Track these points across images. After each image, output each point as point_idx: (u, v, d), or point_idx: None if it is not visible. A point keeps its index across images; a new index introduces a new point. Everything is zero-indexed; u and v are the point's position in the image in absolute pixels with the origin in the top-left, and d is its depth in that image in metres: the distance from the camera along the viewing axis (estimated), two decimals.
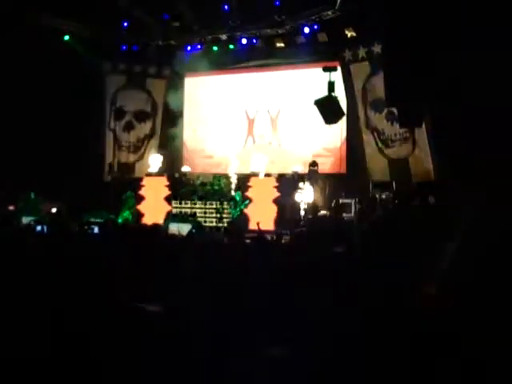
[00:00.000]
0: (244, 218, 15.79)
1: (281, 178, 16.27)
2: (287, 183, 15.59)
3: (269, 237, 9.62)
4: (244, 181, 16.71)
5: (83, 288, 2.93)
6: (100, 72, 19.55)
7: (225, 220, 15.87)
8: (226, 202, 16.14)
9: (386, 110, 15.39)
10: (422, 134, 14.66)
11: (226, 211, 16.02)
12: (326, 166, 17.23)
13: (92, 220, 13.89)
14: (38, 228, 8.69)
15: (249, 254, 6.34)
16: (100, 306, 2.81)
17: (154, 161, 18.00)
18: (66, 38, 17.99)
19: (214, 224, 15.87)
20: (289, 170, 17.09)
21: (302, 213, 14.76)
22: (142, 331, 2.75)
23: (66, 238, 5.49)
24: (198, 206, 16.31)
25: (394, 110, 13.44)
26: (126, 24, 18.40)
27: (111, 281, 3.19)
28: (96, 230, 6.72)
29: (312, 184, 15.09)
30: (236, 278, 4.22)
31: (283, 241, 9.02)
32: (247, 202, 16.02)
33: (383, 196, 14.50)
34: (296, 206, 15.05)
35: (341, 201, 15.15)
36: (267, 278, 3.94)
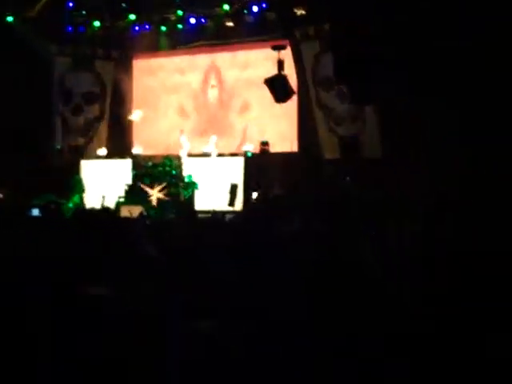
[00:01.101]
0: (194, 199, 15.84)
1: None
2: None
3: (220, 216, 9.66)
4: (196, 162, 16.70)
5: (28, 273, 2.88)
6: (46, 54, 19.13)
7: (176, 201, 15.83)
8: (177, 183, 16.10)
9: (336, 88, 15.42)
10: (371, 111, 14.76)
11: (177, 193, 15.98)
12: (277, 144, 17.21)
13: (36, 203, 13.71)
14: None
15: (201, 233, 6.32)
16: (43, 290, 2.75)
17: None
18: (10, 19, 17.56)
19: (165, 206, 15.81)
20: (240, 149, 17.13)
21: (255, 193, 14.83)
22: (89, 316, 2.70)
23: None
24: (149, 187, 16.20)
25: (345, 88, 13.50)
26: (71, 4, 18.06)
27: (56, 266, 3.13)
28: (36, 212, 6.56)
29: (264, 163, 15.13)
30: (188, 257, 4.19)
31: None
32: (199, 183, 16.02)
33: None
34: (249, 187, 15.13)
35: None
36: (219, 255, 3.93)
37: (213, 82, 19.02)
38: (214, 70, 19.02)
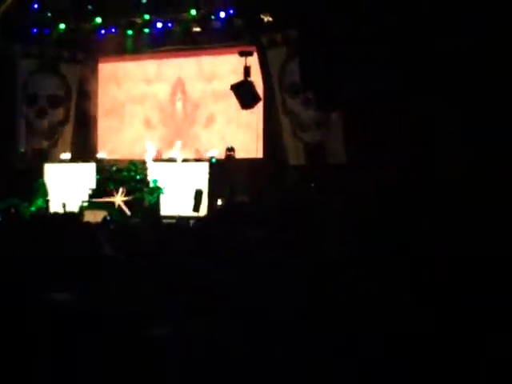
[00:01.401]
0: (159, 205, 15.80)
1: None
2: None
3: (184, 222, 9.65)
4: (161, 167, 16.66)
5: None
6: (11, 56, 18.90)
7: (141, 206, 15.76)
8: (142, 188, 16.06)
9: (302, 95, 15.48)
10: (336, 118, 14.83)
11: (142, 198, 15.91)
12: (242, 150, 17.22)
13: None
14: None
15: (166, 238, 6.31)
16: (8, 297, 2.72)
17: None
18: None
19: (130, 210, 15.74)
20: (205, 155, 17.13)
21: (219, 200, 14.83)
22: (53, 321, 2.67)
23: None
24: (113, 192, 16.10)
25: (310, 95, 13.56)
26: (36, 6, 17.89)
27: (17, 272, 3.08)
28: None
29: (229, 169, 15.15)
30: (152, 261, 4.17)
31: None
32: (164, 188, 15.98)
33: None
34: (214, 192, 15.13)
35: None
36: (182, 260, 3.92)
37: (179, 94, 18.97)
38: (180, 83, 18.97)
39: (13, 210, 7.99)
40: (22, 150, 18.85)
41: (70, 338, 2.64)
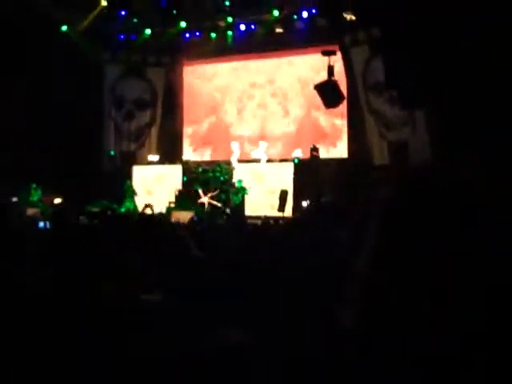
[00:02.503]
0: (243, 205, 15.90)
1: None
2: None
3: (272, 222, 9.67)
4: (246, 167, 16.76)
5: (85, 283, 2.92)
6: (99, 62, 19.43)
7: (227, 207, 15.89)
8: (227, 189, 16.18)
9: (386, 93, 15.29)
10: (421, 117, 14.60)
11: (228, 198, 16.04)
12: (327, 150, 17.18)
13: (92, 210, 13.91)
14: (41, 224, 8.53)
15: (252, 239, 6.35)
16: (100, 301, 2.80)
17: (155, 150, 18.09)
18: (64, 28, 17.88)
19: (216, 210, 15.88)
20: (289, 155, 17.14)
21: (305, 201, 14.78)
22: (144, 322, 2.74)
23: (67, 232, 5.47)
24: (199, 193, 16.29)
25: (395, 93, 13.39)
26: (123, 13, 18.32)
27: (115, 273, 3.18)
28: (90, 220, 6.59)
29: (314, 169, 15.10)
30: (246, 266, 4.20)
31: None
32: (249, 188, 16.07)
33: None
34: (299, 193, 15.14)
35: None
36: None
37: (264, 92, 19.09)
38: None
39: (109, 213, 8.16)
40: (112, 153, 19.32)
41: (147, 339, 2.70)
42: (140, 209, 16.17)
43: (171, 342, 2.68)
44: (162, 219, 10.32)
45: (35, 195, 16.18)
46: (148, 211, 14.63)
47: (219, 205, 15.95)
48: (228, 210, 15.62)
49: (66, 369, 2.48)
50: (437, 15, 8.78)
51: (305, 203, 14.68)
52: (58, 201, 16.02)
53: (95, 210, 12.51)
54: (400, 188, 1.28)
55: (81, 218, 7.74)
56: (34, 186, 16.23)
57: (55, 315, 2.70)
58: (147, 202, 15.77)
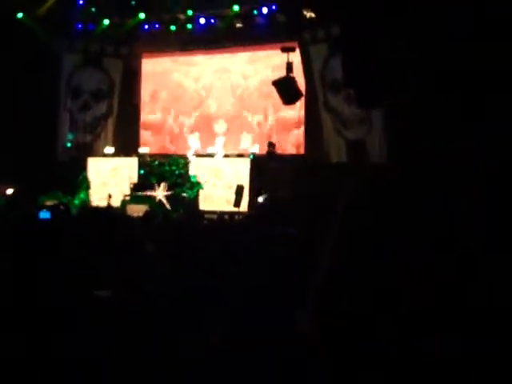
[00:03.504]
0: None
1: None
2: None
3: (226, 217, 9.67)
4: (202, 162, 16.72)
5: (42, 277, 2.87)
6: (55, 51, 19.11)
7: (181, 201, 15.83)
8: (183, 183, 16.14)
9: (344, 92, 15.36)
10: (378, 115, 14.71)
11: (183, 192, 15.99)
12: (283, 147, 17.23)
13: (48, 202, 13.70)
14: None
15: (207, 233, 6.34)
16: (58, 295, 2.75)
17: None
18: (20, 15, 17.56)
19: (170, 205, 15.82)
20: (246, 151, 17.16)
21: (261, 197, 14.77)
22: (97, 317, 2.70)
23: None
24: (155, 186, 16.21)
25: (352, 92, 13.46)
26: (81, 1, 18.09)
27: (68, 269, 3.13)
28: (46, 214, 6.47)
29: (270, 165, 15.12)
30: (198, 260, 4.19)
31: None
32: (204, 183, 16.04)
33: None
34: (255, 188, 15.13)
35: None
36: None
37: (221, 86, 19.03)
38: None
39: (62, 208, 8.02)
40: (69, 144, 19.07)
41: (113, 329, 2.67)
42: (93, 201, 16.04)
43: (123, 337, 2.65)
44: (115, 212, 10.26)
45: None
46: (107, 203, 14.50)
47: (173, 198, 15.88)
48: (182, 205, 15.57)
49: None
50: (396, 12, 8.85)
51: (261, 199, 14.68)
52: (10, 191, 15.77)
53: (49, 203, 12.35)
54: (359, 185, 1.26)
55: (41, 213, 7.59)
56: None
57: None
58: (109, 192, 15.65)
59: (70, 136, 19.09)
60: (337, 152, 16.22)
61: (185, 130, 19.12)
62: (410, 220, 1.20)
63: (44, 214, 6.43)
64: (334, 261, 1.24)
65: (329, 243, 1.32)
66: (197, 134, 18.30)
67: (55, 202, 13.32)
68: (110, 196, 14.77)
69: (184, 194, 15.89)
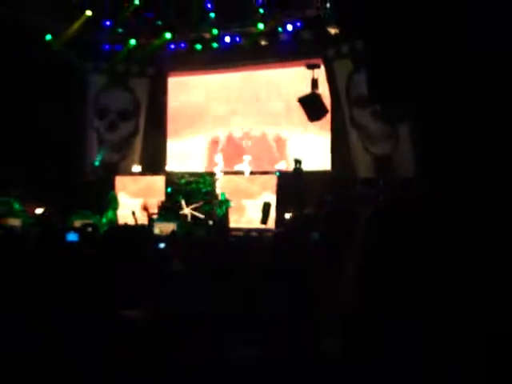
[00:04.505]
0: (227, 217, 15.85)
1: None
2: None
3: (254, 234, 9.64)
4: (229, 179, 16.76)
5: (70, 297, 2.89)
6: (82, 71, 19.34)
7: (210, 218, 15.86)
8: (211, 201, 16.17)
9: (370, 107, 15.32)
10: (404, 130, 14.65)
11: (211, 209, 16.02)
12: (310, 163, 17.22)
13: (77, 221, 13.78)
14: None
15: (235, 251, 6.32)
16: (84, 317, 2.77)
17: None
18: (48, 37, 17.79)
19: (199, 222, 15.85)
20: (272, 168, 17.16)
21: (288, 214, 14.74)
22: (126, 338, 2.70)
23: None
24: (182, 204, 16.26)
25: (378, 107, 13.43)
26: (108, 23, 18.30)
27: (97, 288, 3.15)
28: (74, 237, 6.49)
29: (297, 182, 15.10)
30: (225, 277, 4.18)
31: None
32: (232, 201, 16.05)
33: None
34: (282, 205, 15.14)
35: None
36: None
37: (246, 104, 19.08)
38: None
39: (89, 229, 8.06)
40: (97, 163, 19.22)
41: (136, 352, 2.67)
42: (120, 220, 16.10)
43: (156, 358, 2.66)
44: (144, 230, 10.28)
45: (16, 206, 16.00)
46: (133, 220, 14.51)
47: (202, 216, 15.92)
48: (211, 222, 15.58)
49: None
50: (420, 29, 8.83)
51: (287, 215, 14.67)
52: (39, 210, 15.92)
53: (78, 223, 12.40)
54: (383, 228, 1.26)
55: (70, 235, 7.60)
56: (12, 200, 15.94)
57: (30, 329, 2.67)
58: (133, 209, 15.72)
59: (101, 153, 19.22)
60: (364, 167, 16.16)
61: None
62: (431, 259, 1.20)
63: (72, 237, 6.45)
64: (360, 283, 1.24)
65: (353, 261, 1.32)
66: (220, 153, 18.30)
67: (84, 221, 13.40)
68: (133, 213, 14.72)
69: (212, 212, 15.91)
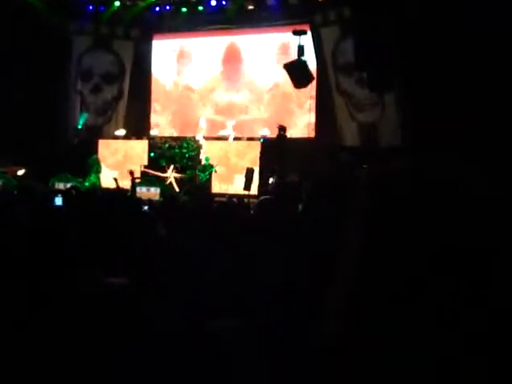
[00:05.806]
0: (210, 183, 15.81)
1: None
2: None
3: (235, 200, 9.63)
4: (213, 144, 16.68)
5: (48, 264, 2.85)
6: (66, 33, 19.03)
7: (192, 184, 15.80)
8: (194, 166, 16.12)
9: (356, 74, 15.23)
10: (390, 98, 14.62)
11: (194, 175, 15.96)
12: (294, 130, 17.15)
13: (58, 184, 13.69)
14: None
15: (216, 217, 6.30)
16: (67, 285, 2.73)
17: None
18: None
19: (181, 188, 15.81)
20: (256, 134, 17.10)
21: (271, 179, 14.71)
22: (110, 307, 2.68)
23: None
24: (165, 169, 16.20)
25: (365, 74, 13.39)
26: None
27: (75, 253, 3.11)
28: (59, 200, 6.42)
29: (281, 149, 15.04)
30: (206, 245, 4.15)
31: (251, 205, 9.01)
32: (216, 166, 15.98)
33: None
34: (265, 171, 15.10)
35: None
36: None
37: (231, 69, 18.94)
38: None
39: (73, 192, 7.99)
40: (80, 127, 19.03)
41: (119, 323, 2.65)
42: (104, 183, 16.02)
43: (138, 326, 2.64)
44: (127, 194, 10.24)
45: None
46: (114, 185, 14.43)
47: (184, 178, 15.84)
48: (194, 187, 15.54)
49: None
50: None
51: (270, 181, 14.65)
52: (21, 172, 15.81)
53: (60, 186, 12.34)
54: (379, 194, 1.24)
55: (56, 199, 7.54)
56: None
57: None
58: (114, 176, 15.62)
59: (83, 116, 19.01)
60: (349, 135, 16.13)
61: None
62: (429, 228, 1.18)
63: (58, 201, 6.39)
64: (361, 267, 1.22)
65: (355, 229, 1.29)
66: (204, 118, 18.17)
67: (66, 184, 13.32)
68: (115, 179, 14.67)
69: (195, 177, 15.84)
